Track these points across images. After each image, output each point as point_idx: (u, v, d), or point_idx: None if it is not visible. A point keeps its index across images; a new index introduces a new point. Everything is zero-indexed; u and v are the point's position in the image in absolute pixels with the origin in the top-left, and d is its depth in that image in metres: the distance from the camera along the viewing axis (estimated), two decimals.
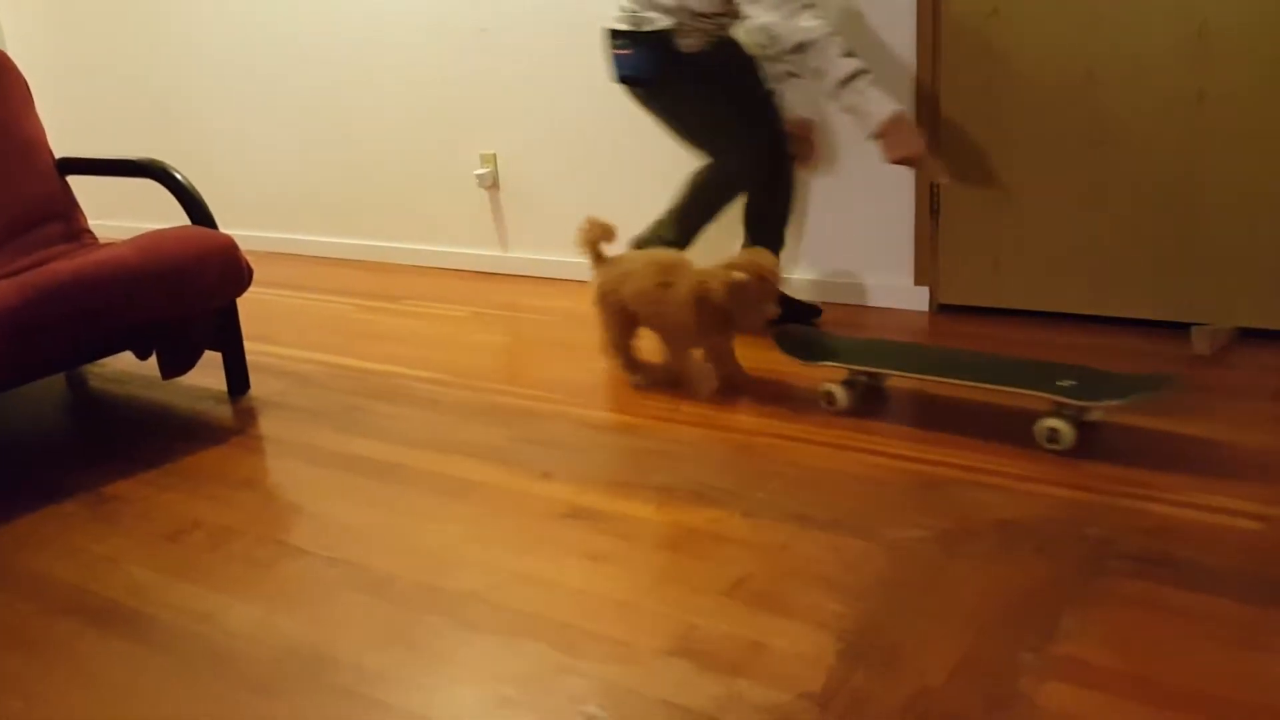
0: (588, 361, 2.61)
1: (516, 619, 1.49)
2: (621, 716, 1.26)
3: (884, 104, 2.24)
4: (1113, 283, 2.58)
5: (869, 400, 2.22)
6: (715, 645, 1.39)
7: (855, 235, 2.90)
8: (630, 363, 2.43)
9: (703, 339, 2.31)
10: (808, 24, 2.25)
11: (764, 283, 2.19)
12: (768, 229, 2.65)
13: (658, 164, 3.20)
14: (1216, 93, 2.35)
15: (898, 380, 2.31)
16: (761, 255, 2.24)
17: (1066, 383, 1.92)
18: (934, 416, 2.11)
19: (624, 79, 2.57)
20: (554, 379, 2.51)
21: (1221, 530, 1.60)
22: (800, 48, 2.26)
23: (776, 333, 2.35)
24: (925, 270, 2.78)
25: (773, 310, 2.23)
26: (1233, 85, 2.33)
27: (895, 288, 2.86)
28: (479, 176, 3.54)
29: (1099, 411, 2.01)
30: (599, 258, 2.43)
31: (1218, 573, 1.48)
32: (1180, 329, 2.51)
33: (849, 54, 2.25)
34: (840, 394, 2.16)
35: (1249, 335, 2.45)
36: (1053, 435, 1.91)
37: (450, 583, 1.60)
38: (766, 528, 1.70)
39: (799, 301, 2.81)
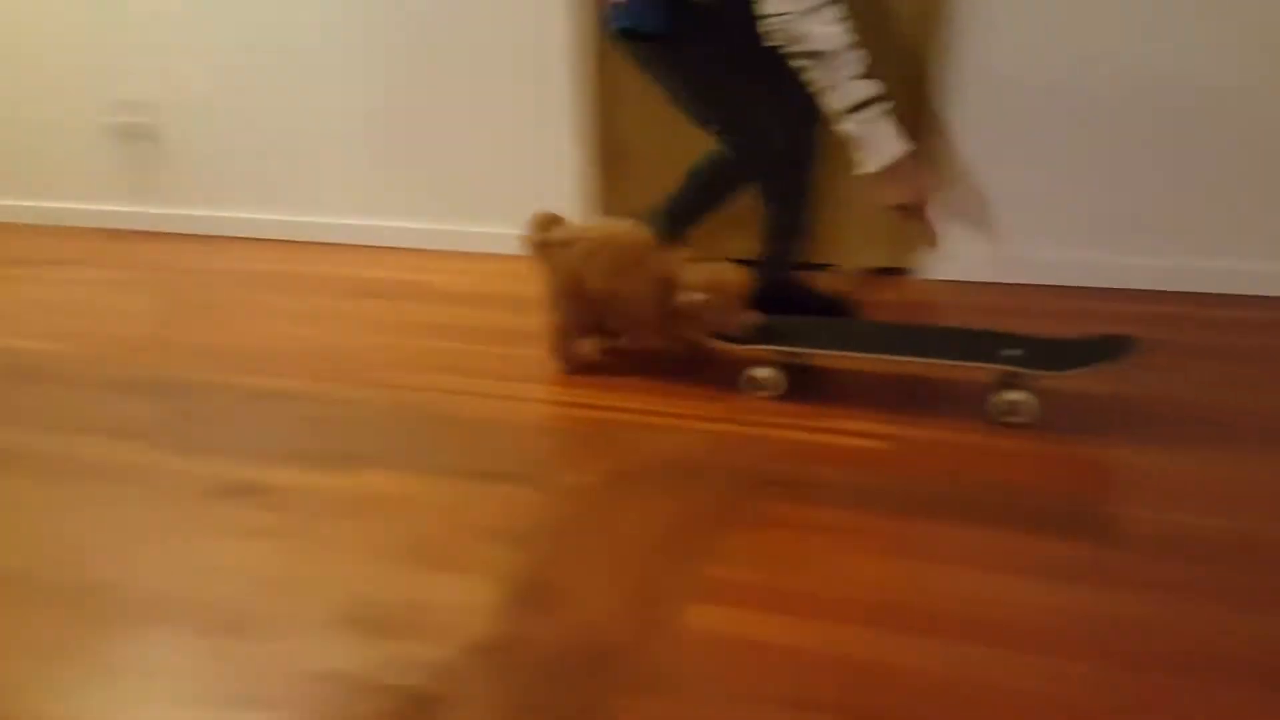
0: (251, 325, 2.44)
1: (160, 607, 1.36)
2: (279, 693, 1.19)
3: (894, 141, 1.97)
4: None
5: (798, 381, 2.03)
6: (382, 610, 1.35)
7: (527, 191, 2.91)
8: (575, 354, 2.16)
9: (665, 335, 2.08)
10: (827, 29, 1.90)
11: (727, 302, 1.96)
12: (775, 238, 2.33)
13: (338, 112, 3.03)
14: None
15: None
16: (726, 272, 1.97)
17: (1013, 352, 1.87)
18: (618, 364, 2.17)
19: (623, 32, 2.14)
20: (212, 346, 2.31)
21: (857, 452, 1.76)
22: (814, 55, 1.92)
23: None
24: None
25: (742, 323, 1.97)
26: None
27: None
28: (130, 125, 3.19)
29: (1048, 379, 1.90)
30: (546, 244, 2.10)
31: (858, 490, 1.63)
32: (822, 270, 2.77)
33: (866, 75, 1.93)
34: (774, 378, 2.00)
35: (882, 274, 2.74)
36: (1012, 408, 1.84)
37: (83, 575, 1.44)
38: (438, 486, 1.67)
39: (822, 297, 2.46)
